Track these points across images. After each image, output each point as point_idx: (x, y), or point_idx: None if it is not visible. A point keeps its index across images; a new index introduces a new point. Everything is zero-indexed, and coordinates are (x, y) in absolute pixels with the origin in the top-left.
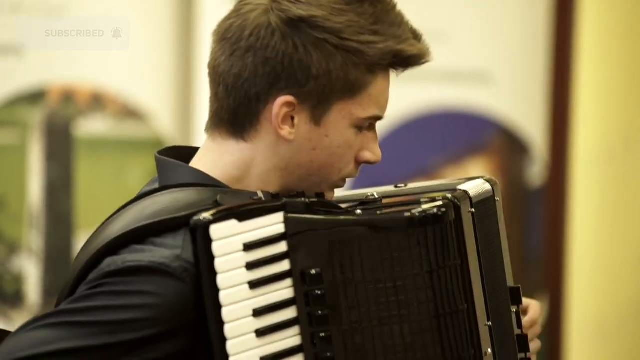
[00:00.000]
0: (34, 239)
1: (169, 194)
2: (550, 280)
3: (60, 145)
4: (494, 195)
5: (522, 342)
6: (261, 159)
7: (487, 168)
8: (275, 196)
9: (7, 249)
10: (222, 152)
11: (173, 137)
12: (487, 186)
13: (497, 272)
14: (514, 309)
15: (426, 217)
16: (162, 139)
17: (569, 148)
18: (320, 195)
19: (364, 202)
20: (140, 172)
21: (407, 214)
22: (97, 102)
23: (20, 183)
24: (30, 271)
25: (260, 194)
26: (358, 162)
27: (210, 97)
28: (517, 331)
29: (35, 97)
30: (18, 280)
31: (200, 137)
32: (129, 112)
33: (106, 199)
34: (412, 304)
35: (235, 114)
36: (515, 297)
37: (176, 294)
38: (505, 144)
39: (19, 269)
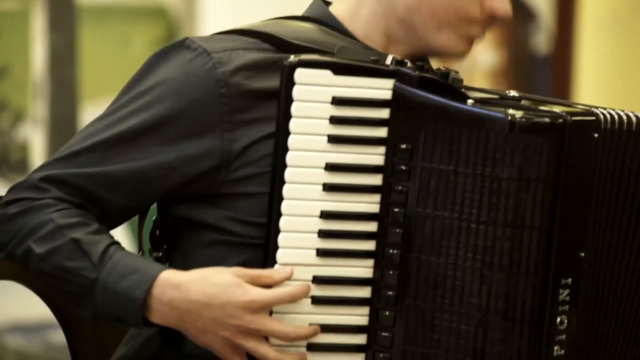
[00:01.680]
0: (38, 107)
1: (290, 24)
2: None
3: (64, 13)
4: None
5: None
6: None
7: (494, 36)
8: (400, 62)
9: (12, 118)
10: None
11: (177, 7)
12: None
13: None
14: None
15: (532, 125)
16: (167, 8)
17: (575, 14)
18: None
19: (503, 97)
20: (144, 41)
21: (510, 117)
22: None
23: (24, 51)
24: (35, 140)
25: (390, 58)
26: (483, 16)
27: None
28: None
29: None
30: (23, 148)
31: (203, 6)
32: None
33: (110, 68)
34: (493, 200)
35: None
36: None
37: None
38: (512, 11)
39: (24, 138)
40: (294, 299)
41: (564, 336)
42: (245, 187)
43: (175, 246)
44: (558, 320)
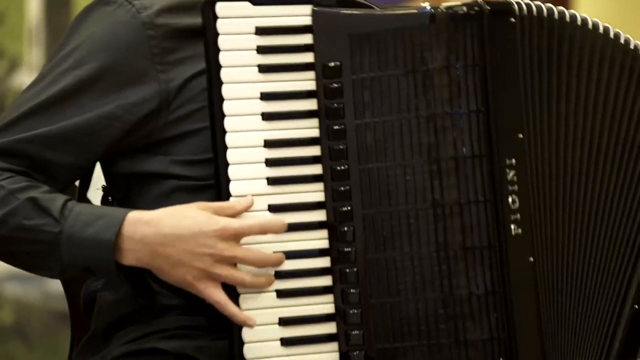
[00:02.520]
0: (34, 54)
1: None
2: None
3: None
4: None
5: None
6: None
7: None
8: None
9: (8, 65)
10: None
11: None
12: None
13: None
14: None
15: (452, 14)
16: None
17: None
18: None
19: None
20: None
21: (431, 10)
22: None
23: None
24: None
25: None
26: None
27: None
28: None
29: None
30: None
31: None
32: None
33: None
34: (429, 95)
35: None
36: None
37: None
38: None
39: (20, 85)
40: (263, 230)
41: (519, 215)
42: (187, 125)
43: (130, 206)
44: (510, 200)
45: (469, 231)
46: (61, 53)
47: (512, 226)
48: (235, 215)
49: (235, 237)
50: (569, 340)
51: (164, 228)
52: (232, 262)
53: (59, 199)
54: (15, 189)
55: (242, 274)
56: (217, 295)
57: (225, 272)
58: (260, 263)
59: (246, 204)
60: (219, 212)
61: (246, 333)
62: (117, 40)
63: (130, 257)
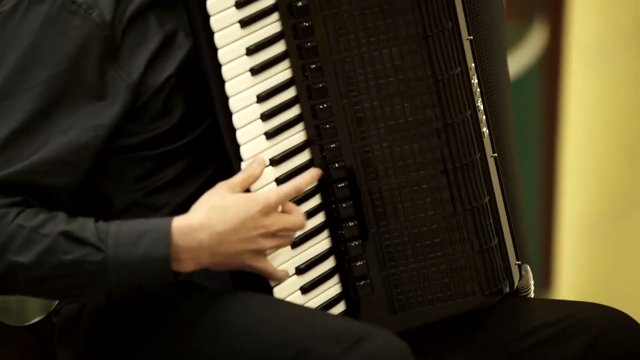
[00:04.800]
0: None
1: None
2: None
3: None
4: None
5: None
6: None
7: None
8: None
9: None
10: None
11: None
12: None
13: None
14: None
15: None
16: None
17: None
18: None
19: None
20: None
21: None
22: None
23: None
24: None
25: None
26: None
27: None
28: None
29: None
30: None
31: None
32: None
33: None
34: (400, 26)
35: None
36: None
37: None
38: None
39: None
40: (298, 191)
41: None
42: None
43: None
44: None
45: (460, 148)
46: (10, 65)
47: (484, 129)
48: (256, 180)
49: (277, 208)
50: None
51: (215, 227)
52: (279, 233)
53: (88, 224)
54: (37, 225)
55: (285, 239)
56: (267, 266)
57: (274, 242)
58: (300, 225)
59: (262, 165)
60: (244, 186)
61: (277, 292)
62: (73, 50)
63: (190, 265)
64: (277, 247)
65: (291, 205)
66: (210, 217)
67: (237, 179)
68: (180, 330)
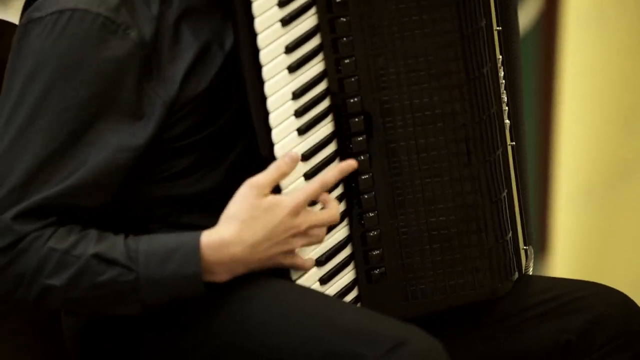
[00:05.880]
0: None
1: None
2: None
3: None
4: None
5: None
6: None
7: None
8: None
9: None
10: None
11: None
12: None
13: None
14: None
15: None
16: None
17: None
18: None
19: None
20: None
21: None
22: None
23: None
24: None
25: None
26: None
27: None
28: None
29: None
30: None
31: None
32: None
33: None
34: (436, 21)
35: None
36: None
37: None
38: None
39: None
40: (324, 187)
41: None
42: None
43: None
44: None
45: (485, 143)
46: (39, 84)
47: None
48: (285, 175)
49: (304, 206)
50: None
51: (247, 240)
52: (309, 230)
53: (118, 242)
54: (69, 248)
55: (316, 237)
56: (296, 260)
57: (304, 241)
58: (331, 220)
59: (295, 163)
60: (274, 185)
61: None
62: (109, 68)
63: (224, 276)
64: (309, 245)
65: (326, 196)
66: (241, 231)
67: (266, 178)
68: (207, 315)
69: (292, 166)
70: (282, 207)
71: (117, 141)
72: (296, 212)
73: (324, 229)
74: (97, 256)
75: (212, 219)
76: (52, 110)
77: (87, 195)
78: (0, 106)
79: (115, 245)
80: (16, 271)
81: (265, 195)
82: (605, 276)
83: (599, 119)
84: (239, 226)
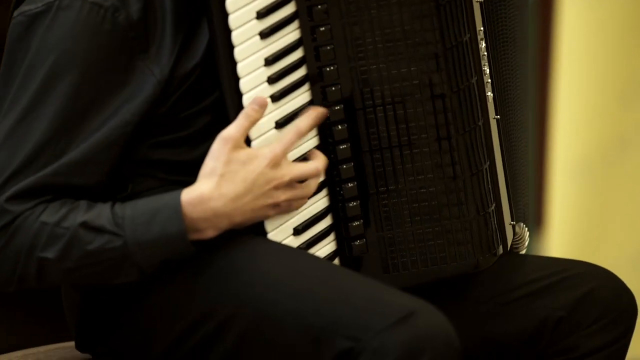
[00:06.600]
0: None
1: None
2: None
3: None
4: None
5: None
6: None
7: None
8: None
9: None
10: None
11: None
12: None
13: None
14: None
15: None
16: None
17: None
18: None
19: None
20: None
21: None
22: None
23: None
24: None
25: None
26: None
27: None
28: None
29: None
30: None
31: None
32: None
33: None
34: None
35: None
36: None
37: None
38: None
39: None
40: (300, 132)
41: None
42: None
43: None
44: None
45: (464, 115)
46: (36, 73)
47: (489, 94)
48: (256, 122)
49: (283, 157)
50: None
51: (227, 193)
52: (291, 182)
53: (104, 210)
54: (58, 220)
55: (302, 189)
56: (284, 211)
57: (289, 193)
58: (314, 172)
59: (260, 107)
60: (244, 134)
61: None
62: (101, 52)
63: (210, 232)
64: (295, 198)
65: (315, 151)
66: (220, 185)
67: (237, 129)
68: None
69: (261, 112)
70: (261, 158)
71: (110, 120)
72: (275, 162)
73: (312, 182)
74: (84, 225)
75: None
76: (47, 96)
77: (81, 173)
78: (1, 102)
79: (101, 212)
80: (13, 249)
81: (241, 147)
82: (602, 250)
83: (596, 93)
84: (218, 180)
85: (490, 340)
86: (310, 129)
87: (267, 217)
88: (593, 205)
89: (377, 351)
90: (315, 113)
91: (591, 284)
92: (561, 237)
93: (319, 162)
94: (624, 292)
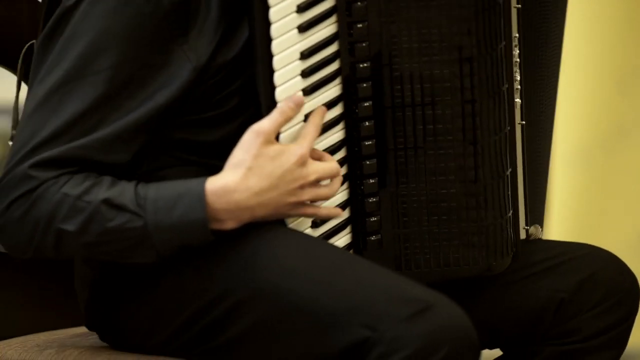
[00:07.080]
0: None
1: None
2: None
3: None
4: None
5: None
6: None
7: None
8: None
9: None
10: None
11: None
12: None
13: None
14: None
15: None
16: None
17: None
18: None
19: None
20: None
21: None
22: None
23: None
24: None
25: None
26: None
27: None
28: None
29: None
30: None
31: None
32: None
33: None
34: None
35: None
36: None
37: None
38: None
39: None
40: (317, 126)
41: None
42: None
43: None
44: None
45: (492, 120)
46: (78, 47)
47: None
48: (290, 119)
49: (309, 155)
50: None
51: (253, 187)
52: (316, 182)
53: (128, 188)
54: (81, 193)
55: (324, 190)
56: (316, 211)
57: (312, 193)
58: (336, 171)
59: (296, 106)
60: (277, 130)
61: None
62: (141, 33)
63: (231, 224)
64: (318, 197)
65: (322, 152)
66: (247, 178)
67: (271, 124)
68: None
69: (297, 110)
70: (289, 155)
71: (144, 102)
72: (303, 161)
73: (335, 182)
74: (107, 201)
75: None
76: (84, 74)
77: (108, 150)
78: (38, 69)
79: (125, 191)
80: (33, 217)
81: (272, 142)
82: (601, 237)
83: (594, 82)
84: (245, 173)
85: (492, 322)
86: (322, 120)
87: (288, 216)
88: (592, 193)
89: (394, 342)
90: (321, 107)
91: (594, 266)
92: (561, 225)
93: (333, 162)
94: (627, 274)
